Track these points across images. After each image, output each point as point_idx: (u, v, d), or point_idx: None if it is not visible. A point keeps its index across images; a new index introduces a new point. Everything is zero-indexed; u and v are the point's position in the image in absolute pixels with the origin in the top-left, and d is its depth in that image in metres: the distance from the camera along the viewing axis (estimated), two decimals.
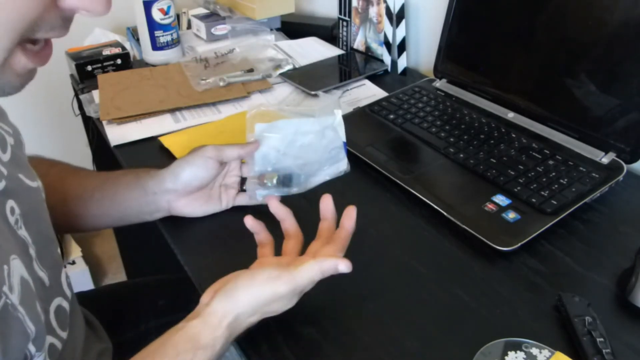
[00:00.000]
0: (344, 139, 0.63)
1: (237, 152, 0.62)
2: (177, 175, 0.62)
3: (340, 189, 0.71)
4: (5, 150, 0.48)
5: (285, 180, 0.63)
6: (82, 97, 0.97)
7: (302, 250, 0.55)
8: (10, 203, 0.45)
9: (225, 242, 0.63)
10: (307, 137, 0.63)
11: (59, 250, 0.53)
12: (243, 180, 0.67)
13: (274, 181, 0.63)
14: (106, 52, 1.04)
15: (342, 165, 0.64)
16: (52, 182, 0.57)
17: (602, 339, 0.47)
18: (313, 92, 0.96)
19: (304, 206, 0.68)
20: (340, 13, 1.14)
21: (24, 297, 0.42)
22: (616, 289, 0.55)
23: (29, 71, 0.39)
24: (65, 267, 0.55)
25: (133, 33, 1.19)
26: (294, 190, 0.64)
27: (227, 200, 0.66)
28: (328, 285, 0.54)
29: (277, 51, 1.13)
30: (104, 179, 0.66)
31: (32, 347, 0.43)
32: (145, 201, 0.64)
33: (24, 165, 0.51)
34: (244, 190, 0.67)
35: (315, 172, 0.64)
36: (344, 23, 1.15)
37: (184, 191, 0.63)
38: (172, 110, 0.91)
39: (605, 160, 0.70)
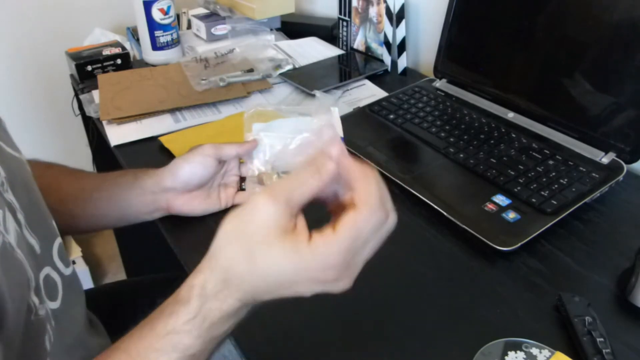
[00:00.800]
0: (342, 135, 0.63)
1: (236, 151, 0.63)
2: (175, 174, 0.62)
3: None
4: None
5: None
6: (82, 97, 0.97)
7: None
8: None
9: None
10: (305, 135, 0.63)
11: (54, 223, 0.52)
12: (242, 180, 0.67)
13: (273, 179, 0.63)
14: (106, 52, 1.04)
15: None
16: (49, 182, 0.57)
17: (602, 339, 0.47)
18: (313, 92, 0.96)
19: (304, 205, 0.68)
20: (340, 13, 1.14)
21: (20, 244, 0.41)
22: (616, 289, 0.55)
23: None
24: (61, 240, 0.53)
25: (133, 33, 1.19)
26: None
27: (227, 199, 0.66)
28: None
29: (277, 51, 1.13)
30: (102, 179, 0.66)
31: (35, 299, 0.42)
32: (144, 201, 0.64)
33: (5, 137, 0.50)
34: (243, 189, 0.67)
35: None
36: (344, 23, 1.15)
37: (183, 190, 0.63)
38: (172, 110, 0.91)
39: (605, 160, 0.70)
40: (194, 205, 0.65)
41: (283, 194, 0.36)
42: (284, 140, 0.63)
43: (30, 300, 0.42)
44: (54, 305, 0.50)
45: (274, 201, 0.36)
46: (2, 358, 0.36)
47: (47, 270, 0.50)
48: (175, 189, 0.63)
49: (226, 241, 0.38)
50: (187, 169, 0.62)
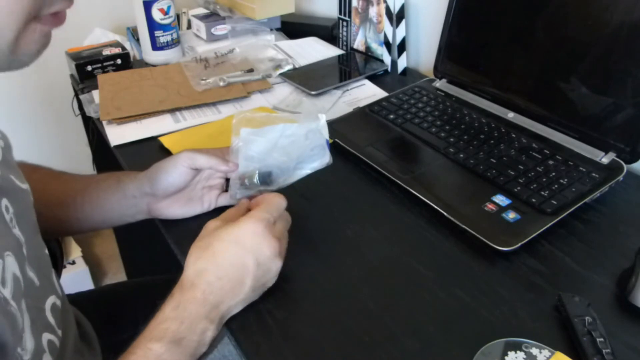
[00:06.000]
0: (327, 137, 0.63)
1: (209, 164, 0.62)
2: (153, 181, 0.63)
3: (339, 189, 0.72)
4: (5, 142, 0.49)
5: (265, 177, 0.63)
6: (82, 97, 0.97)
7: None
8: (5, 201, 0.46)
9: None
10: (291, 139, 0.63)
11: (46, 251, 0.54)
12: (228, 181, 0.67)
13: (254, 180, 0.63)
14: (106, 52, 1.04)
15: (324, 159, 0.64)
16: (35, 187, 0.57)
17: (602, 339, 0.47)
18: (313, 92, 0.96)
19: (304, 205, 0.68)
20: (340, 13, 1.14)
21: (16, 293, 0.43)
22: (616, 289, 0.55)
23: (45, 35, 0.40)
24: (54, 268, 0.56)
25: (133, 33, 1.19)
26: (274, 186, 0.64)
27: (210, 201, 0.66)
28: (328, 284, 0.54)
29: (277, 51, 1.13)
30: (86, 183, 0.67)
31: (20, 351, 0.43)
32: (126, 204, 0.65)
33: (14, 167, 0.52)
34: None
35: (296, 167, 0.64)
36: (344, 23, 1.15)
37: (162, 195, 0.64)
38: (172, 110, 0.91)
39: (605, 160, 0.70)
40: (174, 209, 0.65)
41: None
42: (271, 144, 0.63)
43: (16, 353, 0.43)
44: (60, 332, 0.51)
45: (223, 220, 0.55)
46: None
47: (52, 298, 0.51)
48: (155, 195, 0.64)
49: (191, 250, 0.53)
50: (163, 178, 0.62)
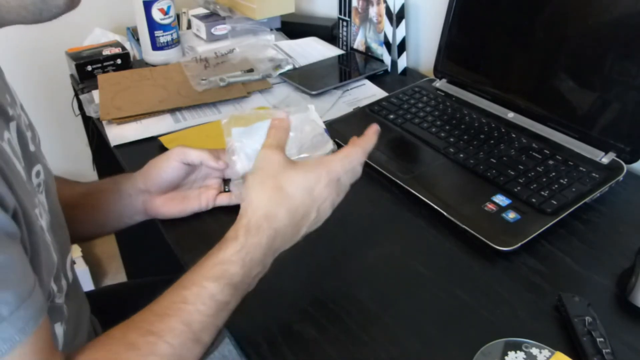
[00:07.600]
0: (324, 127, 0.63)
1: (199, 159, 0.63)
2: (146, 177, 0.64)
3: None
4: (34, 132, 0.53)
5: None
6: (82, 97, 0.97)
7: None
8: (38, 167, 0.48)
9: None
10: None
11: (67, 236, 0.56)
12: (225, 182, 0.67)
13: None
14: (106, 52, 1.04)
15: (327, 147, 0.64)
16: None
17: (602, 339, 0.47)
18: (313, 92, 0.96)
19: None
20: (340, 13, 1.14)
21: (49, 230, 0.45)
22: (616, 289, 0.55)
23: None
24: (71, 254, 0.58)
25: (133, 33, 1.19)
26: None
27: (207, 200, 0.67)
28: (328, 284, 0.54)
29: (277, 51, 1.13)
30: (89, 187, 0.68)
31: (54, 285, 0.45)
32: (123, 204, 0.66)
33: (41, 151, 0.54)
34: (227, 191, 0.67)
35: (299, 158, 0.63)
36: (344, 23, 1.15)
37: (158, 192, 0.65)
38: (172, 110, 0.91)
39: (605, 160, 0.70)
40: (170, 207, 0.65)
41: (276, 143, 0.51)
42: (263, 138, 0.63)
43: (50, 287, 0.45)
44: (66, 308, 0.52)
45: (276, 148, 0.51)
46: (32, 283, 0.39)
47: (59, 276, 0.52)
48: (149, 191, 0.65)
49: (257, 188, 0.49)
50: (156, 173, 0.63)
